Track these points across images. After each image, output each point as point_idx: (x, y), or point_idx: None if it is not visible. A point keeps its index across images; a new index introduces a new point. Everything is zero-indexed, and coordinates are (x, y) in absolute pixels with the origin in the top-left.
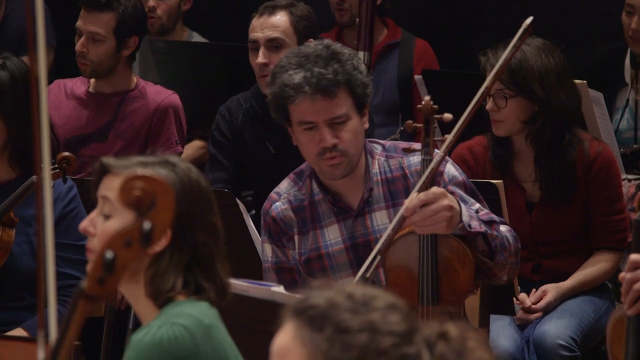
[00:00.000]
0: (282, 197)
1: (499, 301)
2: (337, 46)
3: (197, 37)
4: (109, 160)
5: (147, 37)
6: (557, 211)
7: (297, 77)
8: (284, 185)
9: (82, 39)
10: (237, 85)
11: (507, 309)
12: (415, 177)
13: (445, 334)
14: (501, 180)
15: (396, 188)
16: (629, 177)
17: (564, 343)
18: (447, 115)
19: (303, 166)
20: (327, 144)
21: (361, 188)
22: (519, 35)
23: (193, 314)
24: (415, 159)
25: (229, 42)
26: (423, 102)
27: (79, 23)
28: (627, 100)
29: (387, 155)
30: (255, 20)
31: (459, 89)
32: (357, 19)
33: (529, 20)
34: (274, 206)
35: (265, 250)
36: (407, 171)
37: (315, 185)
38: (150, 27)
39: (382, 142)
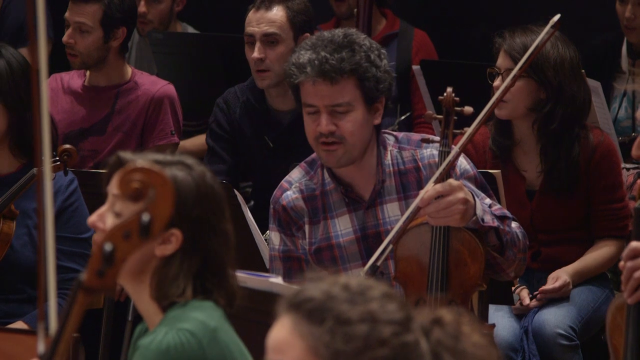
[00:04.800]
0: (293, 186)
1: (497, 291)
2: (360, 37)
3: (190, 31)
4: (126, 154)
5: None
6: (557, 199)
7: (304, 57)
8: (295, 174)
9: (69, 30)
10: (235, 77)
11: (505, 299)
12: (428, 170)
13: (439, 319)
14: (499, 170)
15: (408, 180)
16: (628, 166)
17: (563, 332)
18: (468, 109)
19: (314, 155)
20: (322, 130)
21: (373, 179)
22: (546, 31)
23: (199, 317)
24: (428, 151)
25: (226, 34)
26: (445, 94)
27: (66, 14)
28: (625, 89)
29: (399, 147)
30: (251, 14)
31: (458, 79)
32: (355, 10)
33: (557, 17)
34: (284, 195)
35: (273, 238)
36: (420, 164)
37: (326, 175)
38: (142, 31)
39: (394, 133)
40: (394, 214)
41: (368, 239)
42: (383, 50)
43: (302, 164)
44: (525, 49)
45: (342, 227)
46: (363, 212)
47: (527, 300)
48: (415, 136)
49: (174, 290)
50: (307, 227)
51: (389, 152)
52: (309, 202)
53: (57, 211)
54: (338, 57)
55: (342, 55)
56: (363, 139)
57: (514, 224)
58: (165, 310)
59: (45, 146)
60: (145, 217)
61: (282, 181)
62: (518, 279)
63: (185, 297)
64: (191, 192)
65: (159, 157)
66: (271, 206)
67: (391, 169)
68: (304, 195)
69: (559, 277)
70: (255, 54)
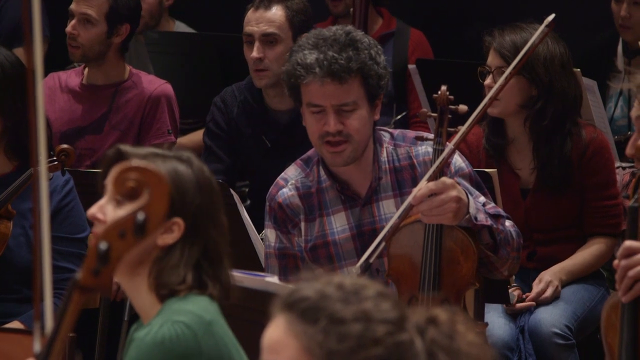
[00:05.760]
0: (289, 183)
1: (493, 290)
2: (359, 34)
3: (183, 28)
4: (126, 147)
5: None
6: (551, 197)
7: (310, 57)
8: (291, 171)
9: (74, 21)
10: (232, 76)
11: (501, 298)
12: (423, 167)
13: (434, 318)
14: (495, 169)
15: (403, 177)
16: (623, 164)
17: (559, 331)
18: (462, 107)
19: (310, 152)
20: (330, 129)
21: (369, 176)
22: (541, 30)
23: (194, 310)
24: (423, 149)
25: (222, 33)
26: (439, 92)
27: (72, 6)
28: (621, 88)
29: (395, 144)
30: (250, 13)
31: (454, 78)
32: (352, 9)
33: (551, 17)
34: (280, 192)
35: (269, 235)
36: (414, 161)
37: (322, 172)
38: None
39: (390, 130)
40: (389, 210)
41: (364, 236)
42: (379, 46)
43: (298, 161)
44: (515, 46)
45: (338, 224)
46: (359, 209)
47: (515, 299)
48: (411, 133)
49: (175, 278)
50: (302, 225)
51: (384, 149)
52: (304, 200)
53: (53, 211)
54: (346, 56)
55: (349, 55)
56: (366, 135)
57: (508, 223)
58: (163, 300)
59: (41, 146)
60: (141, 216)
61: (278, 178)
62: (514, 279)
63: (186, 284)
64: (192, 182)
65: (159, 151)
66: (267, 203)
67: (387, 165)
68: (300, 192)
69: (541, 279)
70: (254, 54)
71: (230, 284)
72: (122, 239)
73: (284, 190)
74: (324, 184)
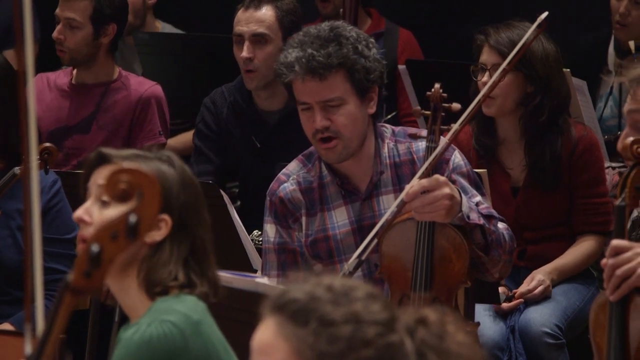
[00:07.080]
0: (290, 178)
1: (484, 290)
2: (346, 29)
3: (169, 29)
4: (109, 150)
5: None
6: (542, 194)
7: (291, 56)
8: (293, 167)
9: (59, 26)
10: (222, 77)
11: (492, 298)
12: (422, 163)
13: (424, 319)
14: (485, 170)
15: (403, 172)
16: (613, 164)
17: (550, 331)
18: (456, 105)
19: (312, 148)
20: (317, 126)
21: (370, 171)
22: (533, 28)
23: (182, 310)
24: (423, 144)
25: (212, 34)
26: (433, 89)
27: (57, 10)
28: (611, 88)
29: (396, 140)
30: (240, 13)
31: (443, 79)
32: (341, 10)
33: (544, 15)
34: (281, 187)
35: (268, 230)
36: (415, 156)
37: (324, 168)
38: None
39: (391, 127)
40: (389, 205)
41: (364, 231)
42: (371, 39)
43: (300, 156)
44: (512, 43)
45: (339, 218)
46: (359, 203)
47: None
48: (410, 130)
49: (166, 275)
50: (304, 219)
51: (386, 145)
52: (306, 194)
53: (41, 212)
54: (325, 52)
55: (329, 51)
56: (359, 130)
57: (500, 225)
58: (154, 298)
59: (32, 148)
60: (133, 219)
61: (280, 174)
62: (504, 280)
63: (178, 281)
64: (175, 180)
65: (140, 152)
66: (267, 198)
67: (388, 161)
68: (302, 187)
69: (534, 278)
70: (244, 54)
71: (218, 283)
72: (114, 241)
73: (286, 185)
74: (326, 179)
